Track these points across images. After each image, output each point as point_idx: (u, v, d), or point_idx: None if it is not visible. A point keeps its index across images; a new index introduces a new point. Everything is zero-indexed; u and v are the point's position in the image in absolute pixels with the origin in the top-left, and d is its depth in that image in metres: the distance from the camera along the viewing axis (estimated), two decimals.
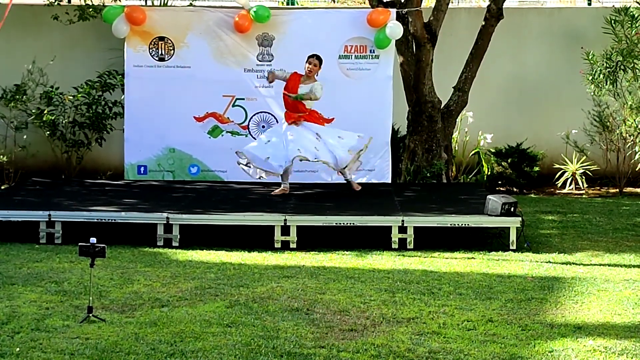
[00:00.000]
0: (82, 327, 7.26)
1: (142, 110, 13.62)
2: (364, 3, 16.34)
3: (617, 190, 14.94)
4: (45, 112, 14.53)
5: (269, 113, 13.61)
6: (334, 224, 10.66)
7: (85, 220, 10.71)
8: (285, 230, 10.52)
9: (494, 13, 14.15)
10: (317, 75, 12.14)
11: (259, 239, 10.69)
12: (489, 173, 14.97)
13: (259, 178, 12.26)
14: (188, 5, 15.10)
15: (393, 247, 10.47)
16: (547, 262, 9.86)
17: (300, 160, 12.02)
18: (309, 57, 12.18)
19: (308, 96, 12.07)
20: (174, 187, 12.94)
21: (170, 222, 10.56)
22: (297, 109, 12.12)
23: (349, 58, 13.51)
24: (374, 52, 13.53)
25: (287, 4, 16.99)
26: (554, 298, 8.35)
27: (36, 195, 12.13)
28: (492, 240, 10.94)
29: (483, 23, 14.28)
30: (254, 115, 13.64)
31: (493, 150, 15.10)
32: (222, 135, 13.63)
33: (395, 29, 13.26)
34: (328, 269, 9.43)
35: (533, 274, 9.31)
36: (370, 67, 13.57)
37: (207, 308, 7.85)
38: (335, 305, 7.99)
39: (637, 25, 13.87)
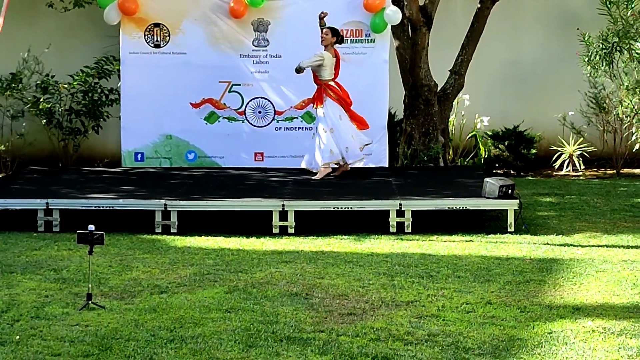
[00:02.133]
0: (82, 314, 7.27)
1: (138, 97, 13.61)
2: None
3: (615, 171, 14.95)
4: (42, 100, 14.50)
5: (265, 98, 13.59)
6: (332, 209, 10.66)
7: (83, 207, 10.71)
8: (283, 215, 10.52)
9: None
10: (333, 45, 12.07)
11: (257, 224, 10.69)
12: (486, 156, 14.96)
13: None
14: None
15: (391, 231, 10.47)
16: (545, 244, 9.87)
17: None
18: None
19: (299, 66, 12.08)
20: (171, 173, 12.91)
21: (168, 209, 10.55)
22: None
23: (344, 42, 13.48)
24: (369, 36, 13.52)
25: None
26: (552, 280, 8.36)
27: (34, 183, 12.12)
28: (490, 223, 10.94)
29: (479, 6, 14.26)
30: (250, 100, 13.63)
31: (490, 133, 15.09)
32: (219, 121, 13.62)
33: (394, 15, 13.24)
34: (326, 254, 9.44)
35: (531, 256, 9.33)
36: (366, 52, 13.56)
37: (206, 294, 7.86)
38: (334, 289, 8.00)
39: (632, 6, 13.85)
